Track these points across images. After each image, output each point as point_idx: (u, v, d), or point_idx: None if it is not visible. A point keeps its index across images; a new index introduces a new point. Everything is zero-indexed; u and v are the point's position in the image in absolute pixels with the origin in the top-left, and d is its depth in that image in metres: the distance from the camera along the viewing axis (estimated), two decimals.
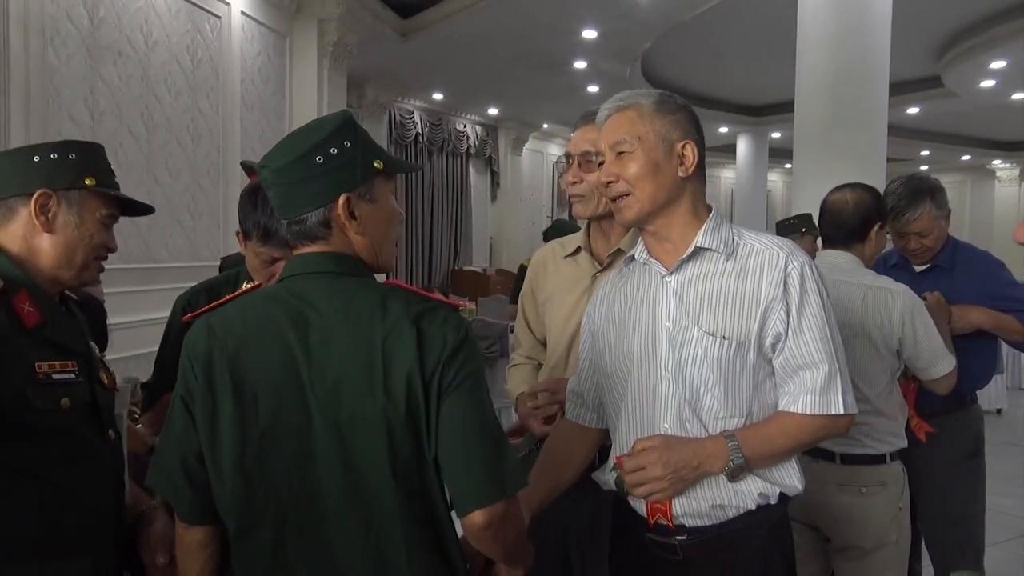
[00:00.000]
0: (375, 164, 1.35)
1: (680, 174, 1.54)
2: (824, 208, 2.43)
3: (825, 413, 1.49)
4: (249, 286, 1.39)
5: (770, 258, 1.51)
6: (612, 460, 1.60)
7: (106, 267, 1.65)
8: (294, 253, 1.38)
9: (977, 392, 2.74)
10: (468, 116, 12.91)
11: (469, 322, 1.35)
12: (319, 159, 1.30)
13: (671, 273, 1.56)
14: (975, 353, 2.59)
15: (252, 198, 1.84)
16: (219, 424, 1.30)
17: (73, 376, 1.48)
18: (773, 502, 1.53)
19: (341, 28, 6.76)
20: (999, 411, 7.42)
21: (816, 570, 2.34)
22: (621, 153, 1.54)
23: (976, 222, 17.86)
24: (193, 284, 2.21)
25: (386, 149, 1.43)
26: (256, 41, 6.09)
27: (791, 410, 1.51)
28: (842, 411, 1.50)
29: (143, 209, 1.67)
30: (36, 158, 1.51)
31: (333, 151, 1.31)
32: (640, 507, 1.57)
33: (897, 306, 2.20)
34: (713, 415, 1.51)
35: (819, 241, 2.55)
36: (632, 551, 1.63)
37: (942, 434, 2.54)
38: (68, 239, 1.52)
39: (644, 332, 1.57)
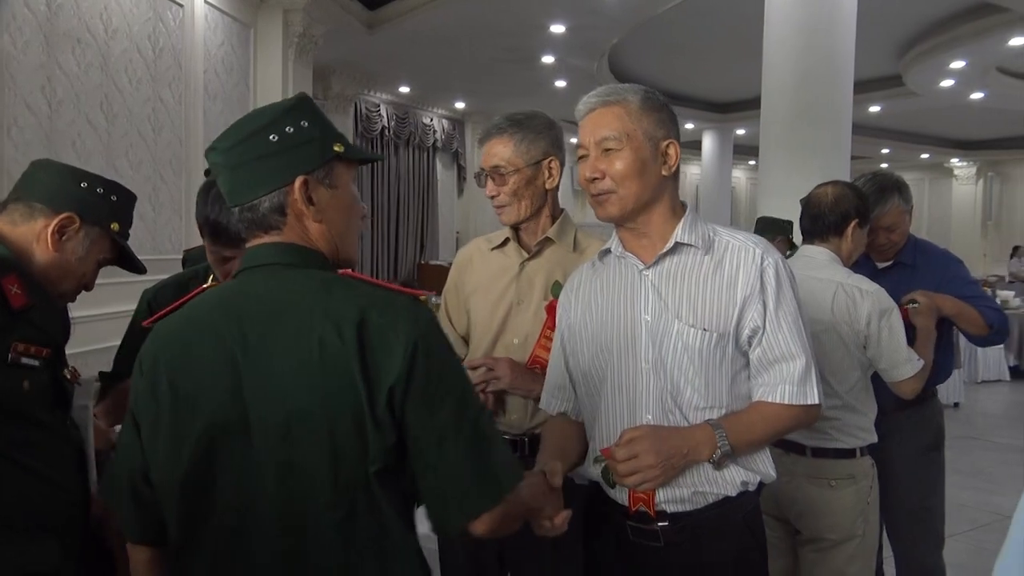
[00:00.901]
0: (335, 148, 1.25)
1: (663, 173, 1.56)
2: (805, 202, 2.47)
3: (801, 403, 1.55)
4: (206, 285, 1.33)
5: (746, 254, 1.55)
6: (593, 452, 1.60)
7: None
8: (246, 246, 1.27)
9: (940, 388, 2.79)
10: (435, 110, 12.84)
11: (431, 312, 1.25)
12: (273, 137, 1.20)
13: (649, 267, 1.58)
14: (935, 349, 2.63)
15: (204, 194, 1.80)
16: (159, 435, 1.21)
17: (37, 363, 1.50)
18: (751, 489, 1.58)
19: (307, 19, 6.68)
20: (956, 405, 7.58)
21: (786, 564, 2.36)
22: (608, 150, 1.54)
23: (934, 220, 18.21)
24: (158, 277, 2.16)
25: (352, 142, 1.36)
26: (220, 31, 5.99)
27: (769, 400, 1.55)
28: (816, 401, 1.56)
29: (137, 268, 1.73)
30: (84, 184, 1.59)
31: (289, 130, 1.21)
32: (621, 496, 1.57)
33: (865, 305, 2.23)
34: (693, 406, 1.54)
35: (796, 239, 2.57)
36: (609, 539, 1.63)
37: (903, 428, 2.57)
38: (66, 264, 1.57)
39: (622, 325, 1.58)
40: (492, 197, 2.02)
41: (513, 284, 2.03)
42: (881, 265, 2.75)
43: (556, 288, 1.96)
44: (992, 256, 17.21)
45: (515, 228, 2.08)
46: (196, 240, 3.35)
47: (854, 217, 2.37)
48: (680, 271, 1.57)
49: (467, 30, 8.24)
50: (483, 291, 2.07)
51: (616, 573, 1.63)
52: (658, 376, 1.54)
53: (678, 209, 1.61)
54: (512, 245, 2.07)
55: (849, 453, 2.25)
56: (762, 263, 1.54)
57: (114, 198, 1.62)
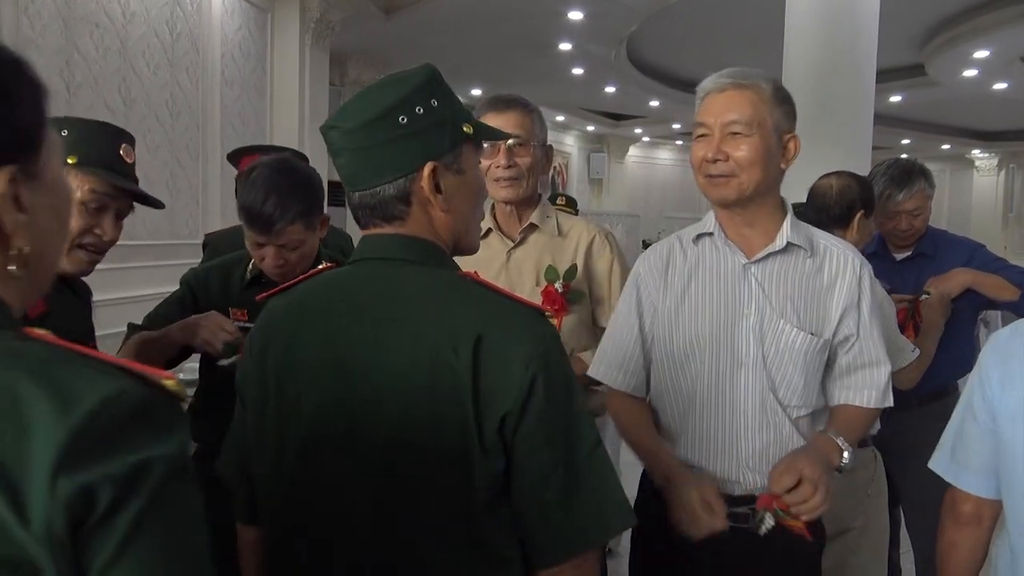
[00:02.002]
0: (465, 129, 1.14)
1: (782, 165, 1.56)
2: (810, 193, 2.44)
3: (881, 407, 1.62)
4: (321, 267, 1.25)
5: (845, 261, 1.58)
6: (686, 442, 1.59)
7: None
8: (363, 233, 1.18)
9: (959, 381, 2.75)
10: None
11: (555, 330, 1.13)
12: (402, 119, 1.08)
13: (755, 262, 1.57)
14: (955, 341, 2.59)
15: (245, 179, 1.82)
16: (265, 432, 1.15)
17: None
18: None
19: (324, 4, 6.66)
20: None
21: None
22: (735, 134, 1.51)
23: (955, 211, 18.02)
24: (173, 262, 2.16)
25: None
26: (237, 16, 5.99)
27: (856, 403, 1.61)
28: (889, 404, 1.65)
29: (143, 197, 1.55)
30: None
31: (419, 110, 1.09)
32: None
33: None
34: (790, 404, 1.56)
35: None
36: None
37: (923, 423, 2.54)
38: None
39: (722, 317, 1.57)
40: (505, 167, 1.97)
41: (502, 274, 2.02)
42: (900, 256, 2.71)
43: (551, 273, 1.96)
44: (1013, 248, 17.02)
45: (493, 216, 2.07)
46: (213, 224, 3.37)
47: (860, 208, 2.34)
48: (785, 271, 1.57)
49: (484, 16, 8.20)
50: None
51: (704, 562, 1.56)
52: (759, 373, 1.54)
53: (782, 205, 1.61)
54: (495, 235, 2.05)
55: None
56: (860, 271, 1.58)
57: (64, 132, 1.43)
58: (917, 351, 2.30)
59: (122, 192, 1.51)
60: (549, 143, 2.09)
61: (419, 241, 1.14)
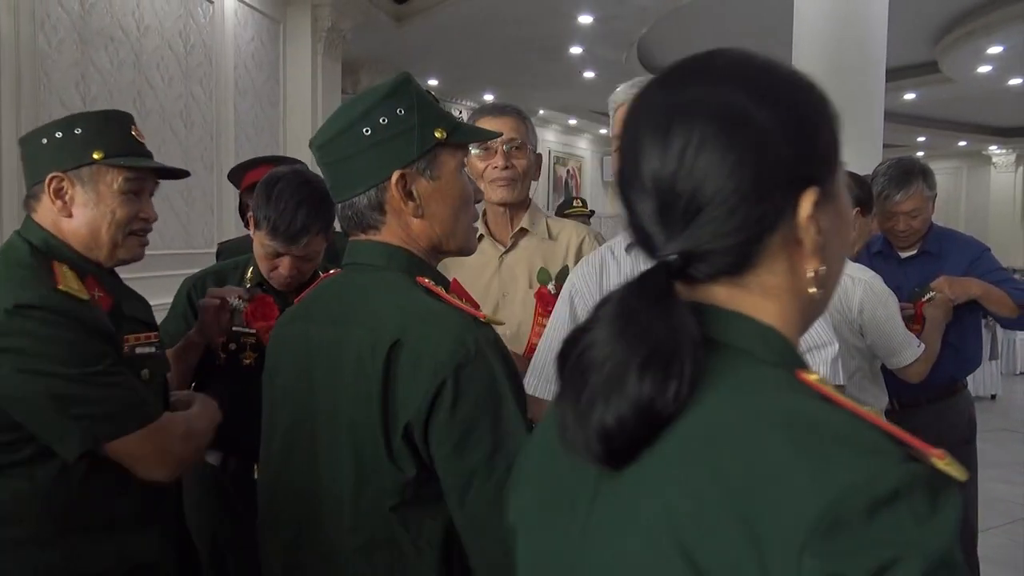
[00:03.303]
0: (436, 134, 1.15)
1: None
2: None
3: (834, 384, 1.61)
4: (333, 272, 1.32)
5: None
6: None
7: None
8: (349, 239, 1.23)
9: (970, 378, 2.75)
10: (464, 102, 12.84)
11: (490, 335, 1.10)
12: (366, 131, 1.11)
13: None
14: (963, 338, 2.60)
15: (269, 190, 1.83)
16: (265, 412, 1.28)
17: (154, 349, 1.50)
18: None
19: (335, 14, 6.71)
20: (993, 397, 7.46)
21: None
22: None
23: (972, 209, 17.86)
24: (190, 271, 2.19)
25: None
26: (249, 27, 6.04)
27: None
28: (842, 382, 1.67)
29: (170, 172, 1.60)
30: (44, 140, 1.46)
31: (383, 120, 1.11)
32: None
33: (857, 293, 2.23)
34: None
35: None
36: None
37: (934, 422, 2.54)
38: (90, 219, 1.46)
39: None
40: (502, 168, 2.02)
41: (495, 278, 2.07)
42: (905, 255, 2.71)
43: (543, 275, 1.99)
44: None
45: (485, 221, 2.11)
46: (228, 234, 3.40)
47: (855, 206, 2.35)
48: None
49: (495, 22, 8.23)
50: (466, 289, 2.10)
51: None
52: None
53: None
54: (487, 240, 2.09)
55: None
56: None
57: (78, 131, 1.46)
58: (923, 346, 2.30)
59: (151, 172, 1.56)
60: (539, 152, 2.16)
61: (385, 247, 1.18)
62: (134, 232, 1.51)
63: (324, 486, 1.13)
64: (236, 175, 3.03)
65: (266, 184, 1.85)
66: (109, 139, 1.48)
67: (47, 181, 1.44)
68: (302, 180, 1.85)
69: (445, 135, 1.16)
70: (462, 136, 1.20)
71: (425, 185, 1.16)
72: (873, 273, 2.29)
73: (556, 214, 5.95)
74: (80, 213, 1.46)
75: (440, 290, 1.15)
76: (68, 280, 1.38)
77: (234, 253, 2.30)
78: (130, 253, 1.53)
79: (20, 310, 1.30)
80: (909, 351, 2.27)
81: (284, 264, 1.88)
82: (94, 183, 1.46)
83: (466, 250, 1.25)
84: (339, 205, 1.19)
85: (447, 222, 1.19)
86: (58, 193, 1.45)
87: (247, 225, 3.15)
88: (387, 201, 1.15)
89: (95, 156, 1.45)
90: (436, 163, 1.16)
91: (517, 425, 1.06)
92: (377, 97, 1.13)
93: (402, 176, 1.14)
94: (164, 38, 4.99)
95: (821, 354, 1.63)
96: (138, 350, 1.46)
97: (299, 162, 2.88)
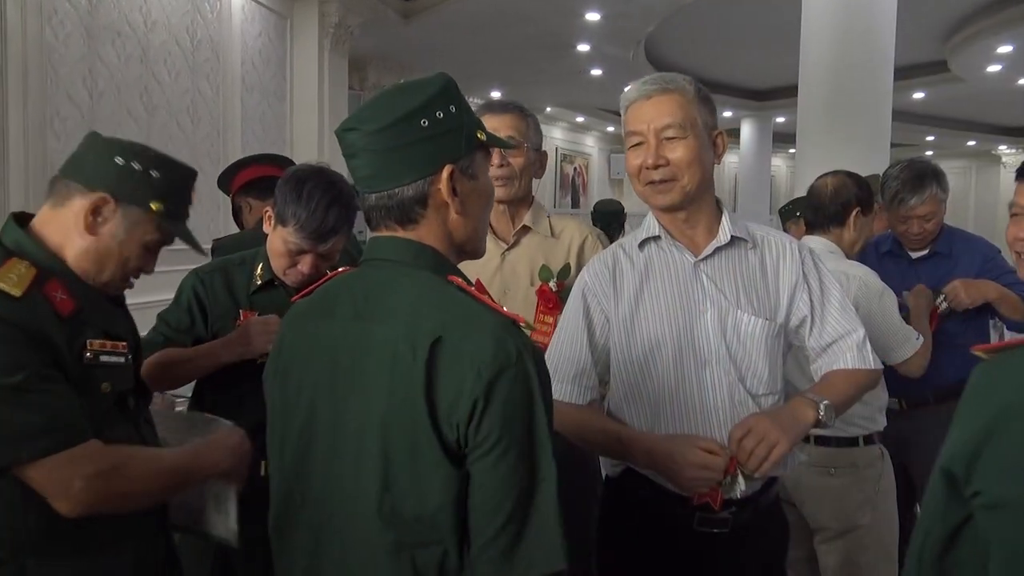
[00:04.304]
0: (479, 135, 1.18)
1: (715, 162, 1.60)
2: (808, 193, 2.46)
3: (864, 367, 1.62)
4: (343, 269, 1.29)
5: (783, 247, 1.63)
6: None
7: None
8: (374, 233, 1.21)
9: None
10: (470, 99, 12.74)
11: (526, 340, 1.08)
12: (424, 123, 1.11)
13: (704, 259, 1.60)
14: (969, 339, 2.58)
15: (299, 188, 1.81)
16: (275, 427, 1.23)
17: (124, 360, 1.41)
18: (789, 469, 1.64)
19: (342, 10, 6.71)
20: None
21: (801, 555, 2.36)
22: (670, 138, 1.54)
23: (981, 208, 17.81)
24: (195, 266, 2.17)
25: None
26: (256, 22, 6.04)
27: (835, 368, 1.63)
28: (876, 367, 1.66)
29: (196, 247, 1.59)
30: (120, 160, 1.42)
31: (439, 115, 1.12)
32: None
33: (851, 290, 2.22)
34: (760, 394, 1.58)
35: None
36: (662, 537, 1.60)
37: (943, 422, 2.51)
38: (104, 249, 1.42)
39: (679, 318, 1.58)
40: (498, 167, 2.03)
41: (497, 275, 2.08)
42: (916, 255, 2.69)
43: (545, 273, 1.99)
44: None
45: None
46: (234, 230, 3.39)
47: (855, 206, 2.35)
48: (733, 263, 1.61)
49: (501, 19, 8.22)
50: None
51: (669, 563, 1.60)
52: (725, 368, 1.56)
53: (717, 202, 1.65)
54: (489, 238, 2.07)
55: (852, 442, 2.25)
56: (800, 254, 1.63)
57: (155, 174, 1.44)
58: (922, 338, 2.29)
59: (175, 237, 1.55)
60: (544, 149, 2.16)
61: (416, 244, 1.16)
62: (126, 276, 1.49)
63: (347, 487, 1.11)
64: (227, 176, 3.03)
65: (294, 182, 1.83)
66: (172, 197, 1.47)
67: (96, 197, 1.40)
68: (330, 180, 1.84)
69: (484, 138, 1.19)
70: (494, 141, 1.23)
71: (466, 183, 1.17)
72: (867, 269, 2.28)
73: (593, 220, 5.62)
74: (100, 239, 1.41)
75: (474, 290, 1.14)
76: (5, 272, 1.31)
77: (230, 250, 2.28)
78: (113, 291, 1.49)
79: None
80: (908, 346, 2.26)
81: (306, 262, 1.87)
82: (131, 225, 1.43)
83: (480, 252, 1.27)
84: (371, 196, 1.16)
85: (478, 220, 1.21)
86: (96, 211, 1.41)
87: (241, 227, 3.15)
88: (432, 195, 1.15)
89: (152, 206, 1.44)
90: (475, 163, 1.19)
91: (545, 436, 1.06)
92: (433, 91, 1.14)
93: (452, 171, 1.14)
94: (171, 33, 5.00)
95: (847, 341, 1.63)
96: (102, 358, 1.38)
97: (290, 161, 2.89)
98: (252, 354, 1.87)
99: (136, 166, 1.42)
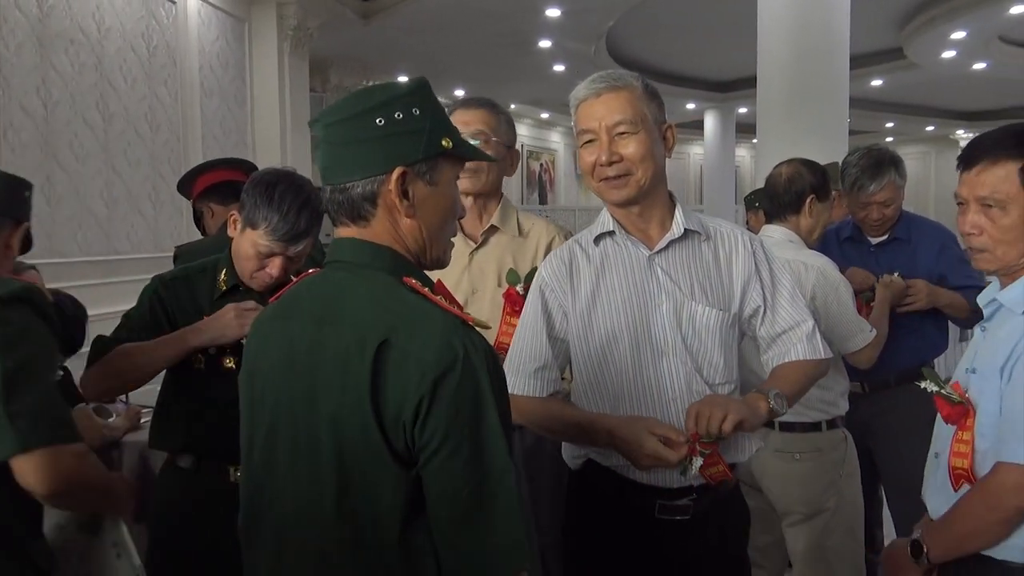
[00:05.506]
0: (443, 142, 1.16)
1: (667, 156, 1.62)
2: (765, 182, 2.49)
3: (813, 358, 1.65)
4: (311, 271, 1.29)
5: (735, 238, 1.65)
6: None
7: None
8: (335, 233, 1.21)
9: (941, 359, 2.78)
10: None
11: (478, 339, 1.09)
12: (379, 121, 1.12)
13: (658, 252, 1.62)
14: (927, 323, 2.64)
15: (270, 191, 1.80)
16: (244, 414, 1.25)
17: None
18: (748, 457, 1.66)
19: (301, 12, 6.66)
20: None
21: (774, 539, 2.40)
22: (622, 134, 1.56)
23: (941, 191, 18.09)
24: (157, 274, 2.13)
25: None
26: (213, 26, 5.98)
27: (785, 360, 1.66)
28: (826, 355, 1.69)
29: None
30: (27, 192, 1.53)
31: (397, 115, 1.13)
32: (659, 478, 1.58)
33: (810, 279, 2.26)
34: (716, 384, 1.60)
35: None
36: (613, 519, 1.63)
37: (901, 403, 2.57)
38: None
39: (635, 311, 1.61)
40: None
41: (465, 275, 2.07)
42: (876, 241, 2.74)
43: (512, 275, 1.99)
44: None
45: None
46: (197, 236, 3.36)
47: (810, 193, 2.39)
48: (686, 256, 1.63)
49: (462, 17, 8.21)
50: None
51: (633, 550, 1.62)
52: (682, 359, 1.58)
53: (670, 196, 1.67)
54: (458, 236, 2.08)
55: (814, 427, 2.28)
56: (752, 246, 1.66)
57: (27, 193, 1.55)
58: (875, 332, 2.33)
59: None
60: (516, 147, 2.16)
61: (371, 245, 1.17)
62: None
63: (305, 487, 1.12)
64: (188, 181, 2.98)
65: (264, 185, 1.82)
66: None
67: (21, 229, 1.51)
68: (299, 184, 1.85)
69: (451, 145, 1.17)
70: (464, 151, 1.22)
71: (422, 188, 1.16)
72: (826, 259, 2.32)
73: None
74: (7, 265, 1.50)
75: (427, 291, 1.14)
76: None
77: (193, 256, 2.25)
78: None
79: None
80: (860, 336, 2.30)
81: (275, 264, 1.86)
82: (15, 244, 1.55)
83: (442, 262, 1.25)
84: (327, 188, 1.17)
85: (433, 228, 1.20)
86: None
87: (203, 232, 3.11)
88: (382, 195, 1.15)
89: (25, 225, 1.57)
90: (437, 170, 1.17)
91: (497, 434, 1.06)
92: (397, 92, 1.15)
93: (403, 174, 1.14)
94: (126, 39, 4.93)
95: (797, 332, 1.65)
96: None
97: (252, 165, 2.86)
98: (227, 339, 1.85)
99: (27, 193, 1.51)
